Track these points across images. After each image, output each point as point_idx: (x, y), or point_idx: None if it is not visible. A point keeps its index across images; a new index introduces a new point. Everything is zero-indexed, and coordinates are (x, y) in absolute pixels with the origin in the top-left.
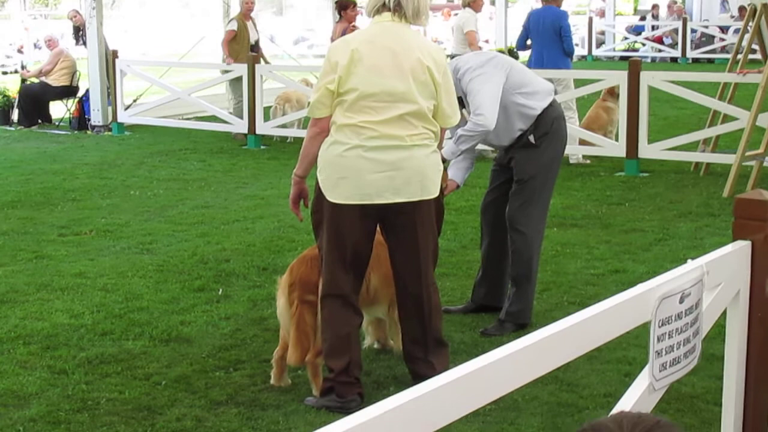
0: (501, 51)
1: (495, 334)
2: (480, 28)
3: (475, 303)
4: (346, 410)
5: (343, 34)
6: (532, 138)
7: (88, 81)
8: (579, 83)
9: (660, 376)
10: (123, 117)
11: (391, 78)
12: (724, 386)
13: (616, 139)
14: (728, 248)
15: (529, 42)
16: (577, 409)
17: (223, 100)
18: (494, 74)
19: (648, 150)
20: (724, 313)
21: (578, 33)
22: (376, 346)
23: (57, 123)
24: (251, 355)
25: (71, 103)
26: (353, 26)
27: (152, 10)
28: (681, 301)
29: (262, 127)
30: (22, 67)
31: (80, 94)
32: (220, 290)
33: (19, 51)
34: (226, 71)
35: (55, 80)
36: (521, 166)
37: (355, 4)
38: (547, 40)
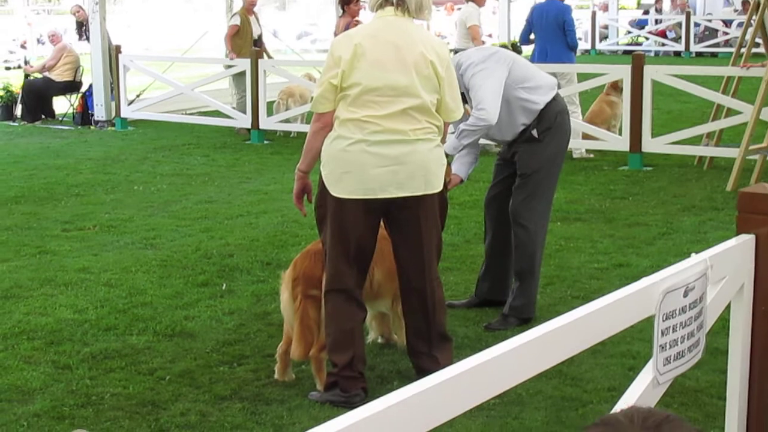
0: (504, 45)
1: (499, 329)
2: (483, 22)
3: (478, 297)
4: (350, 405)
5: (347, 28)
6: (535, 132)
7: (92, 76)
8: (582, 77)
9: (664, 370)
10: (126, 112)
11: (395, 72)
12: (728, 380)
13: (620, 133)
14: (732, 242)
15: (532, 36)
16: (581, 403)
17: (227, 95)
18: (496, 69)
19: (651, 144)
20: (728, 307)
21: (581, 27)
22: (380, 340)
23: (60, 118)
24: (255, 350)
25: (74, 99)
26: (356, 21)
27: (155, 5)
28: (685, 295)
29: (266, 122)
30: (26, 63)
31: (83, 89)
32: (224, 285)
33: (23, 46)
34: (230, 66)
35: (59, 75)
36: (524, 160)
37: None
38: (551, 34)
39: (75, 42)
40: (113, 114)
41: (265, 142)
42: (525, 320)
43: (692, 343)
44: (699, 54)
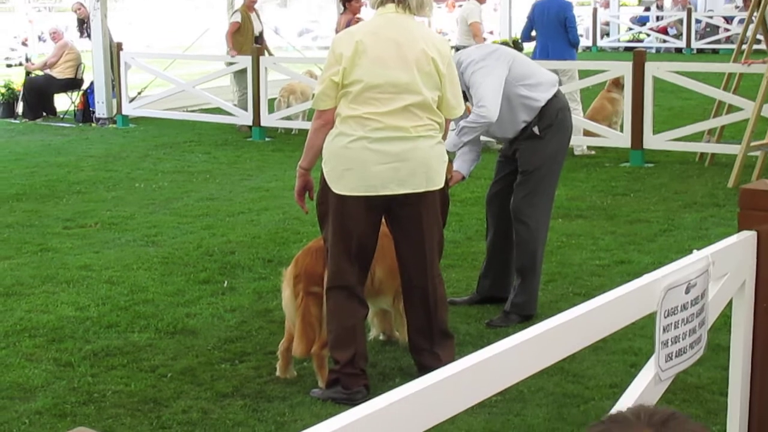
0: (505, 42)
1: (500, 326)
2: (484, 19)
3: (480, 294)
4: (352, 402)
5: (348, 25)
6: (536, 130)
7: (93, 73)
8: (584, 74)
9: (666, 367)
10: (127, 109)
11: (396, 69)
12: (730, 376)
13: (621, 130)
14: (734, 238)
15: (533, 33)
16: (583, 400)
17: (228, 92)
18: (496, 66)
19: (653, 141)
20: (730, 303)
21: (583, 24)
22: (381, 337)
23: (62, 116)
24: (257, 347)
25: (76, 96)
26: (357, 18)
27: (156, 3)
28: (687, 292)
29: (267, 119)
30: (27, 60)
31: (85, 86)
32: (226, 282)
33: (24, 44)
34: (231, 63)
35: (60, 73)
36: (526, 157)
37: None
38: (552, 31)
39: (76, 39)
40: (114, 111)
41: (267, 139)
42: (526, 317)
43: (694, 339)
44: (700, 51)
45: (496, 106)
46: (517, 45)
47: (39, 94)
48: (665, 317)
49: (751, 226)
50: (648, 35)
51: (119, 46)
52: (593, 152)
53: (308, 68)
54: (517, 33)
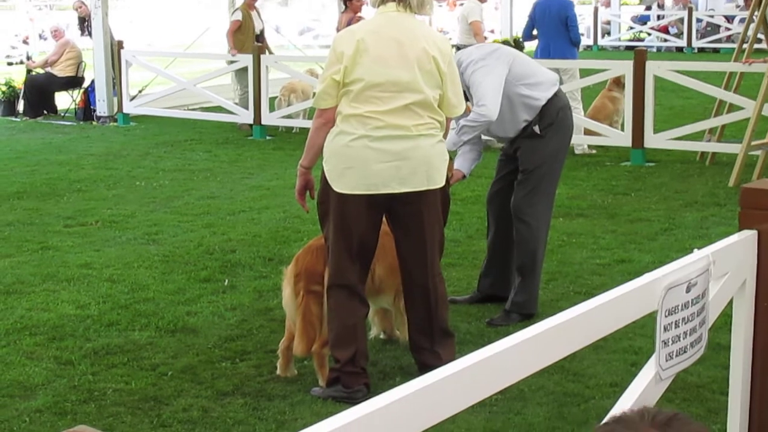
0: (506, 41)
1: (501, 324)
2: (485, 18)
3: (481, 293)
4: (353, 400)
5: (349, 24)
6: (537, 129)
7: (94, 72)
8: (584, 73)
9: (666, 366)
10: (128, 108)
11: (397, 68)
12: (731, 376)
13: (622, 129)
14: (734, 238)
15: (535, 32)
16: (584, 398)
17: (229, 91)
18: (496, 66)
19: (654, 140)
20: (731, 302)
21: (584, 23)
22: (382, 336)
23: (62, 114)
24: (257, 346)
25: (77, 94)
26: (359, 17)
27: (157, 1)
28: (687, 291)
29: (268, 118)
30: (28, 58)
31: (86, 84)
32: (226, 281)
33: (25, 42)
34: (232, 62)
35: (61, 71)
36: (527, 156)
37: None
38: (553, 30)
39: (77, 37)
40: (115, 110)
41: (268, 137)
42: (527, 316)
43: (694, 338)
44: (701, 50)
45: (496, 105)
46: (518, 44)
47: (40, 92)
48: (666, 316)
49: (752, 225)
50: (649, 34)
51: (120, 44)
52: (594, 151)
53: (309, 67)
54: (518, 32)
